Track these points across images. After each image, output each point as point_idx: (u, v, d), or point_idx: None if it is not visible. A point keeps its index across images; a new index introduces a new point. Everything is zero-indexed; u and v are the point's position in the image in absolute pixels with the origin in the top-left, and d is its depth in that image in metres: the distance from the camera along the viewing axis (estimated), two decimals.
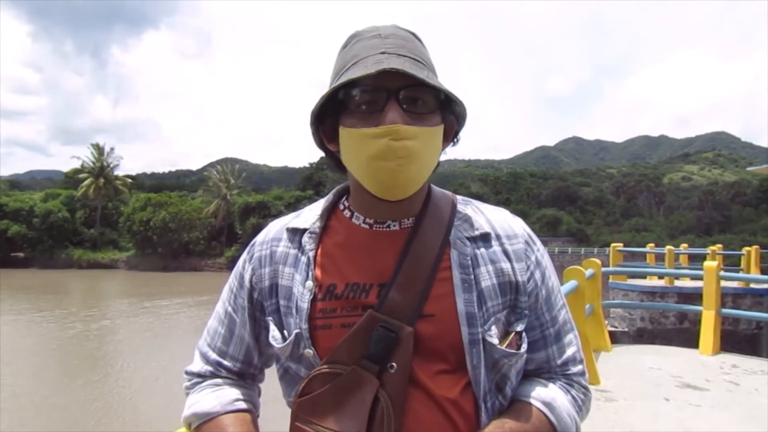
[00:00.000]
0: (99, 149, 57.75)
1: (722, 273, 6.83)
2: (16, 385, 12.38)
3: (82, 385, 12.55)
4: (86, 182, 54.16)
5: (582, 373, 0.97)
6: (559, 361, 0.94)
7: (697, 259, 15.05)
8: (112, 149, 58.76)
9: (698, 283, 7.55)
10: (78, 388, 12.24)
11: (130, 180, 62.45)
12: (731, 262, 17.19)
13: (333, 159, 0.94)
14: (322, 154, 0.96)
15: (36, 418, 10.27)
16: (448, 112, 0.89)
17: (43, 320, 21.63)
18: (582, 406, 0.95)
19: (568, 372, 0.95)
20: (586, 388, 0.97)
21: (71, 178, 59.36)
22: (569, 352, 0.95)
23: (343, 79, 0.81)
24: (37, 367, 14.38)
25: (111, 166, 57.49)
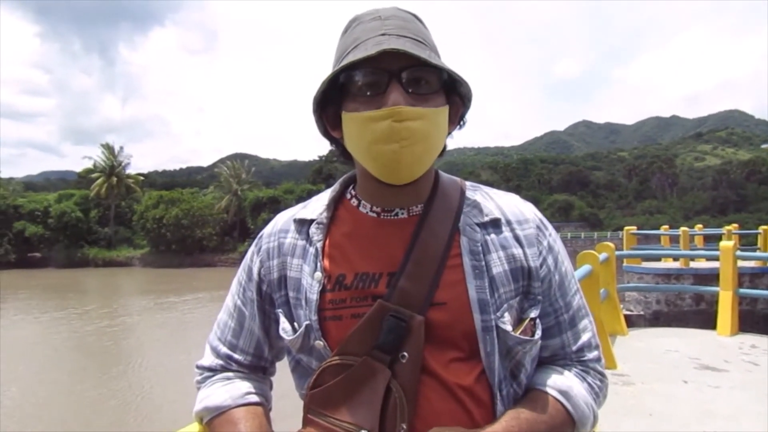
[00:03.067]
0: (110, 149, 58.29)
1: (739, 253, 6.75)
2: (38, 381, 12.63)
3: (105, 380, 12.75)
4: (98, 182, 54.70)
5: (598, 359, 0.95)
6: (574, 348, 0.93)
7: (712, 240, 14.90)
8: (121, 148, 59.31)
9: (714, 264, 7.47)
10: (101, 383, 12.45)
11: (141, 178, 62.97)
12: (747, 242, 16.98)
13: (338, 146, 0.92)
14: (330, 147, 0.95)
15: (55, 415, 10.44)
16: (452, 94, 0.87)
17: (64, 318, 21.95)
18: (599, 393, 0.93)
19: (584, 358, 0.93)
20: (602, 374, 0.95)
21: (84, 178, 60.00)
22: (584, 337, 0.93)
23: (344, 62, 0.80)
24: (59, 364, 14.63)
25: (122, 165, 58.01)
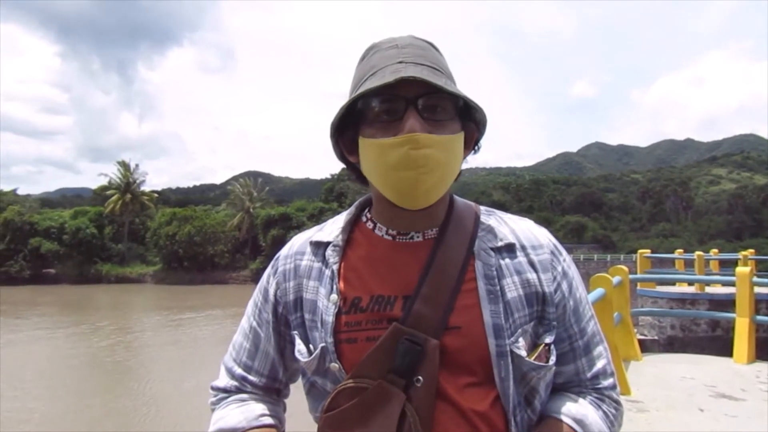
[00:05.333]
0: (125, 166, 59.03)
1: (756, 279, 6.64)
2: (51, 396, 12.68)
3: (116, 396, 12.77)
4: (113, 198, 55.34)
5: (613, 387, 0.94)
6: (589, 375, 0.92)
7: (727, 265, 14.69)
8: (137, 165, 60.06)
9: (730, 290, 7.36)
10: (111, 400, 12.47)
11: (155, 195, 63.52)
12: (764, 267, 16.68)
13: (354, 171, 0.94)
14: (342, 165, 0.96)
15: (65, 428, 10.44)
16: (467, 120, 0.88)
17: (78, 334, 22.09)
18: (614, 422, 0.93)
19: (599, 386, 0.93)
20: (617, 402, 0.94)
21: (99, 195, 60.72)
22: (599, 364, 0.93)
23: (362, 89, 0.82)
24: (73, 379, 14.71)
25: (137, 182, 58.66)
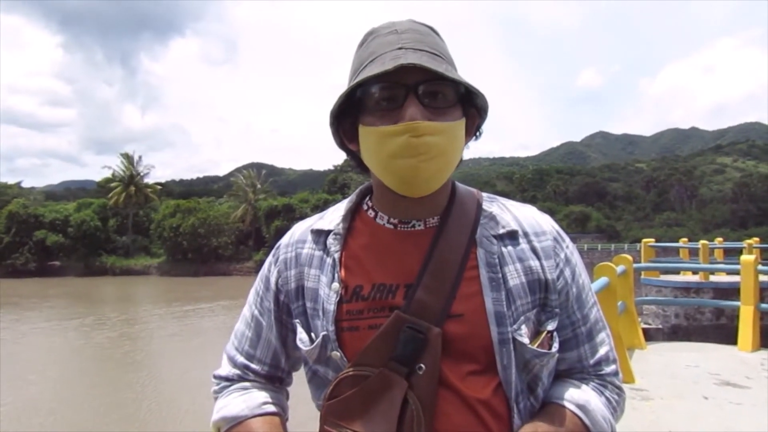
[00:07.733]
0: (129, 158, 59.11)
1: (760, 267, 6.62)
2: (64, 386, 12.83)
3: (124, 386, 12.90)
4: (116, 190, 55.49)
5: (615, 373, 0.94)
6: (591, 361, 0.92)
7: (732, 254, 14.64)
8: (140, 157, 60.09)
9: (735, 278, 7.34)
10: (121, 389, 12.59)
11: (159, 187, 63.60)
12: None
13: (354, 159, 0.93)
14: (345, 156, 0.95)
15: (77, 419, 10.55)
16: (469, 106, 0.87)
17: (88, 326, 22.27)
18: (617, 408, 0.93)
19: (601, 372, 0.92)
20: (620, 388, 0.94)
21: (103, 187, 60.87)
22: (602, 351, 0.93)
23: (361, 77, 0.80)
24: (85, 369, 14.89)
25: (141, 174, 58.73)
